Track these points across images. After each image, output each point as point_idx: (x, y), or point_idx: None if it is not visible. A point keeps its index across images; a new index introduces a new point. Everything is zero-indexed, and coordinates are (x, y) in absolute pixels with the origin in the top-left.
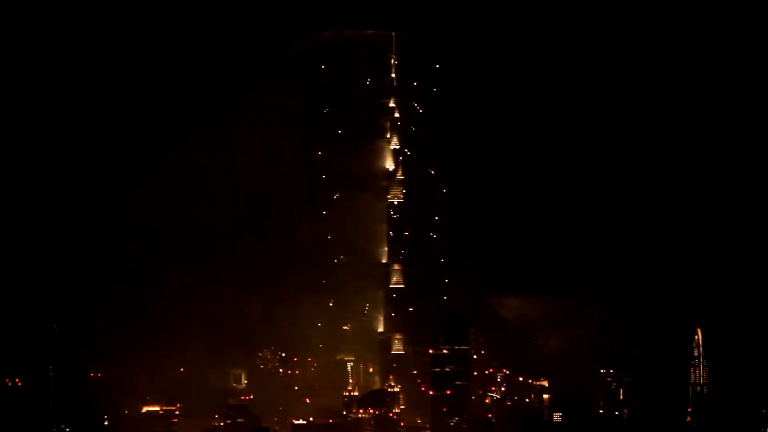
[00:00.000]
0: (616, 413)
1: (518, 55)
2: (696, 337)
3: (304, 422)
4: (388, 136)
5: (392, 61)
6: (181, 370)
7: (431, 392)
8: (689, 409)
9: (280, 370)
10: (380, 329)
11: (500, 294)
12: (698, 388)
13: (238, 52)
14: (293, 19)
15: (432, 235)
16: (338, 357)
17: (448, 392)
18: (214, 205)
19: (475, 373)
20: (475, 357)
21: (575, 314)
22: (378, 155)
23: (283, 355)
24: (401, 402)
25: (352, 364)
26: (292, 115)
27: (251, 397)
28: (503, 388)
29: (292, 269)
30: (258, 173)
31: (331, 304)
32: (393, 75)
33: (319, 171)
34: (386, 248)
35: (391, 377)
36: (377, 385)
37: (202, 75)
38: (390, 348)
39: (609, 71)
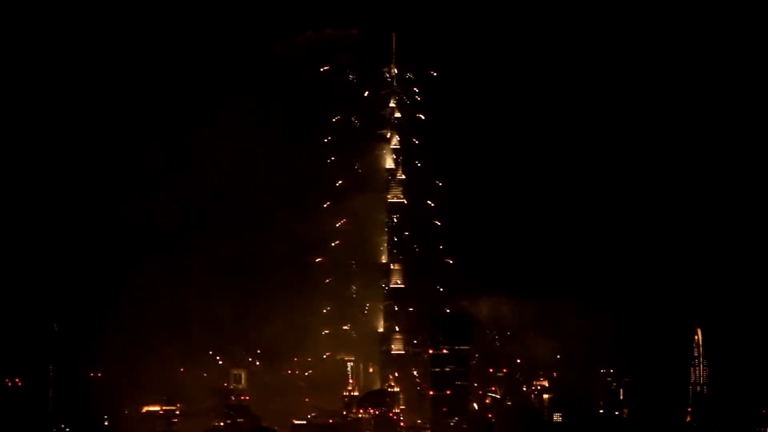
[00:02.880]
0: (616, 413)
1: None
2: (696, 337)
3: (304, 422)
4: (388, 136)
5: (392, 61)
6: (181, 370)
7: (431, 392)
8: (689, 409)
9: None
10: (380, 329)
11: (500, 294)
12: (698, 388)
13: (231, 52)
14: (292, 20)
15: (431, 236)
16: (338, 357)
17: (448, 392)
18: (214, 206)
19: (475, 373)
20: (475, 357)
21: (575, 314)
22: (376, 155)
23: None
24: (401, 402)
25: (352, 364)
26: (280, 116)
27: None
28: (503, 389)
29: (290, 270)
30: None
31: (330, 304)
32: (393, 75)
33: (316, 172)
34: (386, 248)
35: (391, 377)
36: (377, 385)
37: (189, 75)
38: (390, 348)
39: (609, 71)
